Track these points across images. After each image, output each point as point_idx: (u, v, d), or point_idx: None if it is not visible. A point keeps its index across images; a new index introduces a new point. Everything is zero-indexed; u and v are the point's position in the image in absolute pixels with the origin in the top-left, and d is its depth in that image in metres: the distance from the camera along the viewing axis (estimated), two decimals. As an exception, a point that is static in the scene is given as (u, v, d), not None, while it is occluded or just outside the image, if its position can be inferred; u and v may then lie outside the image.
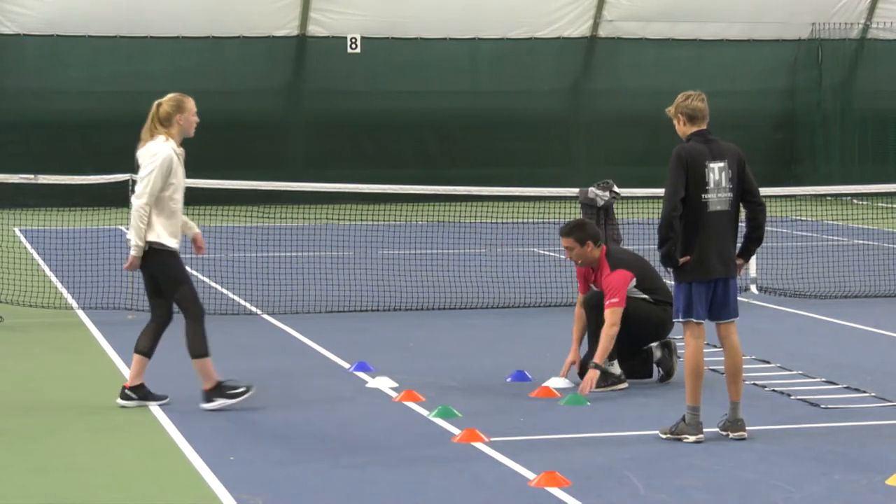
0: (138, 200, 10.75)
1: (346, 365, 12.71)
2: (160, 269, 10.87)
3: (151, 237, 10.79)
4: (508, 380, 11.96)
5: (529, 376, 12.04)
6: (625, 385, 11.59)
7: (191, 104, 11.08)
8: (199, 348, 10.84)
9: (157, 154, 10.79)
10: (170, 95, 11.06)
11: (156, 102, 11.00)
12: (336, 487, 8.68)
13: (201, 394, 10.86)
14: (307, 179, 27.12)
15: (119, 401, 10.92)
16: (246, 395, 10.85)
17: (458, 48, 34.52)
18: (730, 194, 9.85)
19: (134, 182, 11.42)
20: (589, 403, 10.99)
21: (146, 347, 11.01)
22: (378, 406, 11.03)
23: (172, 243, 10.87)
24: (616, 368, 11.62)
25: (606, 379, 11.57)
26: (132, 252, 10.77)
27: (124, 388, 10.98)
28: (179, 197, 10.91)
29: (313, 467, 9.18)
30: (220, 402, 10.81)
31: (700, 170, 9.79)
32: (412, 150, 34.21)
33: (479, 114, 34.58)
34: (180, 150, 10.99)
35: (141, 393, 11.00)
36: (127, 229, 10.99)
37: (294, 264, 19.23)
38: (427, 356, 13.42)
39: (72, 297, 16.98)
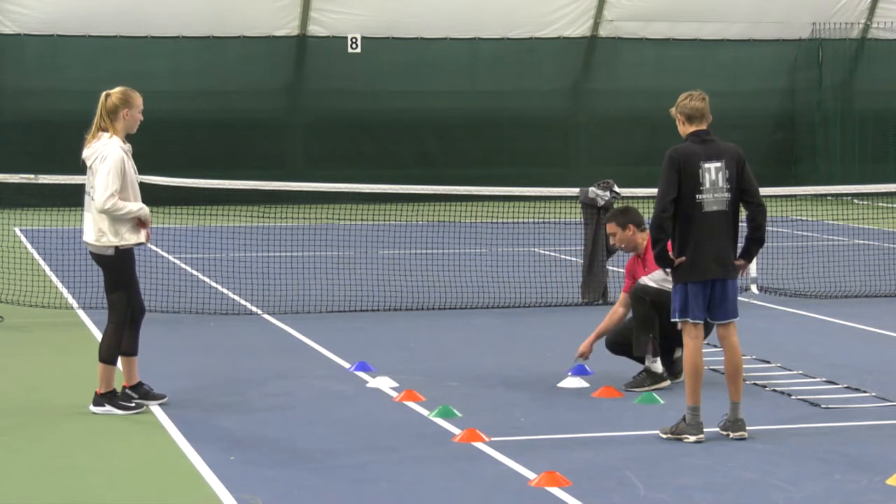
0: (107, 204, 10.50)
1: (346, 365, 12.71)
2: (106, 268, 10.81)
3: (104, 240, 10.71)
4: (569, 374, 11.95)
5: (590, 370, 12.05)
6: (667, 383, 11.51)
7: (139, 100, 10.82)
8: (108, 354, 10.79)
9: (108, 156, 10.61)
10: (119, 88, 10.84)
11: (105, 93, 10.80)
12: (336, 487, 8.67)
13: (93, 395, 10.85)
14: (307, 179, 27.11)
15: (120, 402, 10.88)
16: (136, 412, 10.77)
17: (458, 48, 34.53)
18: (727, 194, 9.82)
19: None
20: (662, 402, 10.96)
21: (127, 348, 10.97)
22: (378, 406, 11.03)
23: (125, 241, 10.70)
24: (658, 367, 11.54)
25: (647, 378, 11.51)
26: (143, 218, 10.69)
27: (124, 387, 10.96)
28: (129, 194, 10.73)
29: (313, 467, 9.17)
30: (107, 409, 10.76)
31: (693, 170, 9.76)
32: (412, 150, 34.23)
33: (479, 114, 34.59)
34: (127, 147, 10.80)
35: (141, 391, 11.00)
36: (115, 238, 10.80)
37: (294, 264, 19.24)
38: (427, 356, 13.42)
39: (72, 297, 16.98)
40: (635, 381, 11.54)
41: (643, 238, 11.79)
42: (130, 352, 10.96)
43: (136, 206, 10.71)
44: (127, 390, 10.96)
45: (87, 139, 10.81)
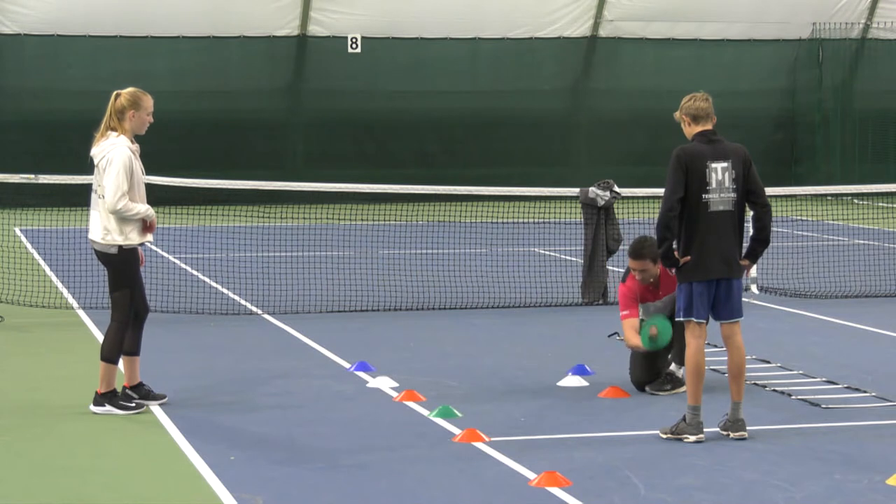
0: (119, 204, 10.55)
1: (347, 365, 12.71)
2: (110, 266, 10.82)
3: (108, 238, 10.72)
4: (569, 373, 11.94)
5: (590, 370, 12.05)
6: (683, 388, 11.43)
7: (148, 102, 10.85)
8: (110, 353, 10.79)
9: (114, 158, 10.64)
10: (130, 89, 10.87)
11: (115, 93, 10.85)
12: (336, 487, 8.67)
13: (93, 395, 10.85)
14: (307, 179, 27.13)
15: (121, 402, 10.88)
16: (136, 411, 10.77)
17: (458, 48, 34.53)
18: (733, 194, 9.83)
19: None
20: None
21: (130, 347, 10.96)
22: (378, 406, 11.03)
23: (130, 241, 10.71)
24: (680, 373, 11.41)
25: (667, 382, 11.46)
26: (149, 219, 10.69)
27: (125, 387, 10.97)
28: (136, 194, 10.75)
29: (313, 467, 9.18)
30: (107, 409, 10.76)
31: (700, 170, 9.78)
32: (412, 150, 34.22)
33: (479, 114, 34.59)
34: (135, 147, 10.83)
35: (142, 392, 11.00)
36: (119, 237, 10.81)
37: (294, 264, 19.23)
38: (427, 356, 13.42)
39: (72, 297, 16.98)
40: (656, 384, 11.46)
41: (659, 266, 11.57)
42: (132, 351, 10.96)
43: (145, 207, 10.74)
44: (127, 390, 10.96)
45: (97, 137, 10.84)
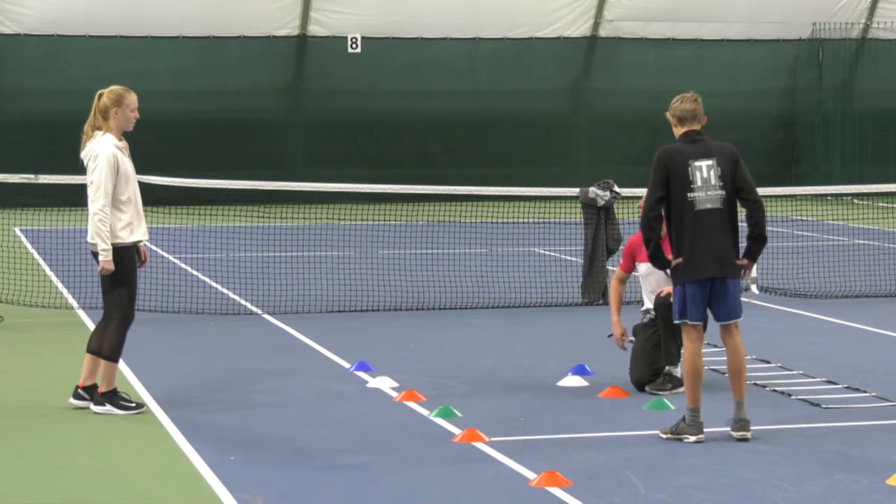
0: (94, 205, 10.56)
1: (347, 365, 12.71)
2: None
3: (97, 237, 10.70)
4: (569, 373, 11.94)
5: (590, 370, 12.06)
6: (682, 388, 11.40)
7: (131, 99, 10.82)
8: (111, 352, 10.77)
9: (99, 154, 10.63)
10: (112, 87, 10.87)
11: (98, 92, 10.84)
12: (336, 487, 8.67)
13: (94, 395, 10.84)
14: (307, 179, 27.14)
15: (71, 400, 10.89)
16: (136, 411, 10.75)
17: (458, 48, 34.54)
18: (721, 192, 9.78)
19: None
20: (673, 408, 10.79)
21: (97, 346, 10.92)
22: (378, 406, 11.03)
23: (119, 239, 10.66)
24: (678, 371, 11.41)
25: (667, 382, 11.45)
26: (102, 257, 10.61)
27: (77, 386, 10.93)
28: (128, 189, 10.73)
29: (313, 467, 9.18)
30: (108, 408, 10.74)
31: (682, 169, 9.75)
32: (412, 150, 34.23)
33: (479, 114, 34.59)
34: (122, 144, 10.81)
35: (92, 393, 10.93)
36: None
37: (294, 264, 19.23)
38: (427, 356, 13.42)
39: (72, 297, 16.98)
40: (656, 384, 11.45)
41: None
42: (97, 351, 10.87)
43: (107, 246, 10.54)
44: (80, 390, 10.91)
45: (84, 139, 10.85)
